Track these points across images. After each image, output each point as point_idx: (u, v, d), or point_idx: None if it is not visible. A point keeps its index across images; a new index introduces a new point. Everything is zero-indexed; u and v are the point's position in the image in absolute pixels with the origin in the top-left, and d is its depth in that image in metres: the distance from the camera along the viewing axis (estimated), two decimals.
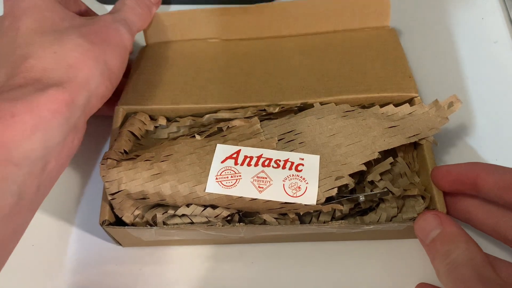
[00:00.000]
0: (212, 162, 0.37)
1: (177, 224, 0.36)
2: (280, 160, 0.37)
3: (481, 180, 0.33)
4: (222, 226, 0.35)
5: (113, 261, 0.40)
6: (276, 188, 0.35)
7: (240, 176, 0.36)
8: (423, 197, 0.37)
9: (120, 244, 0.40)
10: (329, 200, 0.36)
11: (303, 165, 0.36)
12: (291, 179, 0.36)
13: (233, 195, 0.35)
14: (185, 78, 0.43)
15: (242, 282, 0.39)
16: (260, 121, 0.40)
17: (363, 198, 0.37)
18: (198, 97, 0.41)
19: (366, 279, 0.38)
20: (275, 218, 0.37)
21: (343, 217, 0.38)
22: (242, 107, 0.41)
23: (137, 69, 0.44)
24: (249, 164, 0.36)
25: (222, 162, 0.37)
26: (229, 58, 0.44)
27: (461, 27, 0.53)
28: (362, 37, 0.45)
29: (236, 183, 0.35)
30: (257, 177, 0.36)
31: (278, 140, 0.38)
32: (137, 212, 0.37)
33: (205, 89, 0.42)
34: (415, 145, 0.40)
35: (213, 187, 0.35)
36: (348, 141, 0.38)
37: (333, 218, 0.37)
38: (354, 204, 0.37)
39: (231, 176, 0.36)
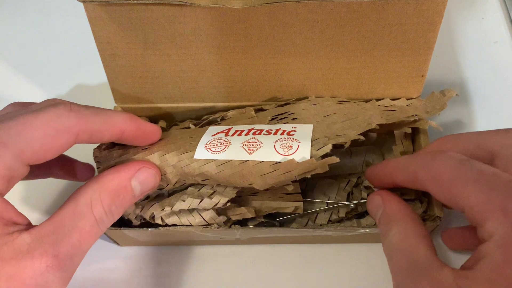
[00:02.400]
0: (203, 136, 0.36)
1: (174, 225, 0.36)
2: (271, 130, 0.35)
3: (397, 180, 0.31)
4: (218, 228, 0.35)
5: (111, 260, 0.40)
6: (267, 150, 0.33)
7: (229, 143, 0.34)
8: (420, 201, 0.37)
9: (118, 244, 0.41)
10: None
11: (295, 131, 0.35)
12: (282, 140, 0.34)
13: (221, 159, 0.34)
14: (178, 72, 0.40)
15: (240, 282, 0.39)
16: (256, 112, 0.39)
17: (353, 205, 0.37)
18: (195, 95, 0.41)
19: (362, 282, 0.38)
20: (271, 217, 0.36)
21: (340, 220, 0.38)
22: (239, 107, 0.41)
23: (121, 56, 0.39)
24: (239, 135, 0.35)
25: (213, 135, 0.36)
26: (224, 37, 0.37)
27: (461, 27, 0.52)
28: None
29: (225, 149, 0.34)
30: (247, 142, 0.34)
31: (272, 119, 0.37)
32: (135, 210, 0.37)
33: (200, 85, 0.40)
34: (414, 148, 0.40)
35: (201, 153, 0.34)
36: (343, 119, 0.36)
37: (330, 221, 0.37)
38: (351, 208, 0.37)
39: (221, 144, 0.34)
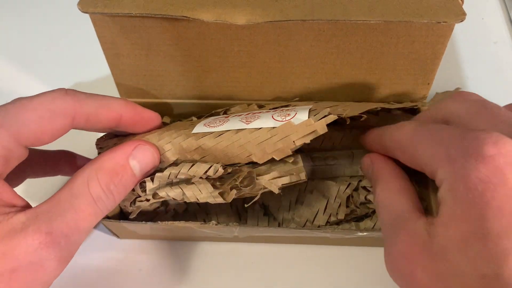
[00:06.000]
0: (203, 120, 0.36)
1: (173, 222, 0.35)
2: (270, 110, 0.36)
3: (375, 150, 0.33)
4: (216, 225, 0.35)
5: (110, 252, 0.41)
6: (265, 119, 0.33)
7: (228, 119, 0.35)
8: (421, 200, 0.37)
9: (117, 236, 0.41)
10: None
11: (294, 107, 0.35)
12: (280, 112, 0.34)
13: (219, 131, 0.33)
14: (182, 72, 0.40)
15: (239, 281, 0.39)
16: None
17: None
18: (199, 93, 0.41)
19: (359, 284, 0.39)
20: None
21: (338, 222, 0.38)
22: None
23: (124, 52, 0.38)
24: (239, 115, 0.35)
25: (213, 118, 0.36)
26: (228, 41, 0.37)
27: (461, 27, 0.52)
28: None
29: (223, 123, 0.34)
30: (246, 116, 0.34)
31: (270, 109, 0.37)
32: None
33: (204, 84, 0.40)
34: None
35: (200, 129, 0.34)
36: (345, 106, 0.36)
37: (328, 223, 0.38)
38: (350, 210, 0.38)
39: (219, 121, 0.34)
